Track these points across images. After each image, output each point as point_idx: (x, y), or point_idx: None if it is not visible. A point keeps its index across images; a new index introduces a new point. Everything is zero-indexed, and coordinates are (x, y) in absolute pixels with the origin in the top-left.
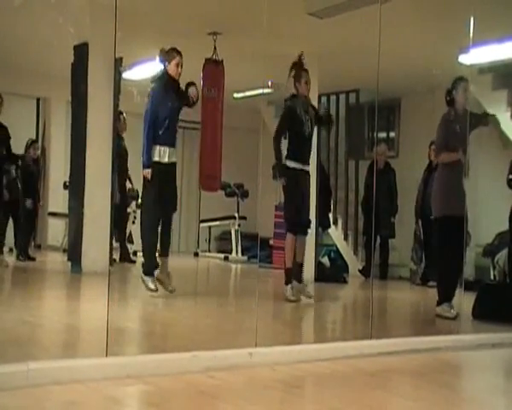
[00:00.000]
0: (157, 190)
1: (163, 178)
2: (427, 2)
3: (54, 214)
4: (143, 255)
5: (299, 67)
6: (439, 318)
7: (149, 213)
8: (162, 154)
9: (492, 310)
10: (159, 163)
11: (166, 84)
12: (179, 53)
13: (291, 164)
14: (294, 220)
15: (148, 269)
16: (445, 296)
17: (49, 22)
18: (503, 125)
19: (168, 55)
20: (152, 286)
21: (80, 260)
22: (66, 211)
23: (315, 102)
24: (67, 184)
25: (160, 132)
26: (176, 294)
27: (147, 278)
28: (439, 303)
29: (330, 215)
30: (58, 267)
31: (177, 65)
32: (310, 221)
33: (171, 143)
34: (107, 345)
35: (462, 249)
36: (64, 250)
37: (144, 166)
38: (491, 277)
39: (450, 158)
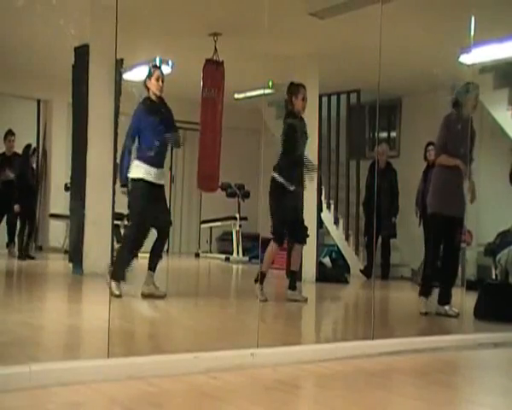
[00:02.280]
0: (145, 206)
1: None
2: (427, 3)
3: (55, 216)
4: (117, 261)
5: (297, 84)
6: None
7: (137, 231)
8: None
9: (494, 309)
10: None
11: (150, 107)
12: (159, 67)
13: (279, 179)
14: (280, 233)
15: (117, 276)
16: (422, 290)
17: (49, 24)
18: (504, 125)
19: (148, 72)
20: (117, 292)
21: (81, 262)
22: (67, 212)
23: (315, 103)
24: (68, 185)
25: (148, 153)
26: (177, 295)
27: (112, 283)
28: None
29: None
30: (59, 269)
31: (158, 79)
32: (305, 230)
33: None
34: (109, 346)
35: (452, 249)
36: (65, 252)
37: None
38: (493, 276)
39: (449, 162)
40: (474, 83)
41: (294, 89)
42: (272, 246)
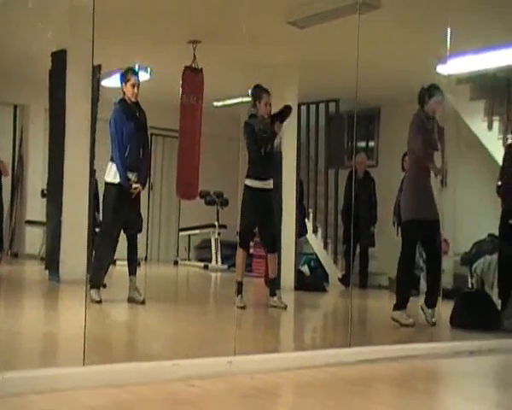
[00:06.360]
0: (118, 211)
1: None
2: (405, 14)
3: (31, 223)
4: (93, 269)
5: (261, 89)
6: (395, 322)
7: (108, 231)
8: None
9: (470, 318)
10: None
11: (125, 109)
12: (136, 73)
13: (248, 182)
14: (245, 237)
15: (96, 284)
16: (401, 303)
17: (26, 28)
18: (480, 136)
19: (124, 75)
20: (96, 298)
21: (58, 269)
22: (43, 219)
23: (294, 112)
24: (45, 191)
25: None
26: (155, 302)
27: (92, 290)
28: (394, 308)
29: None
30: (36, 276)
31: (133, 86)
32: (275, 239)
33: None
34: (85, 354)
35: (435, 252)
36: (42, 259)
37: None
38: (469, 285)
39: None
40: (437, 86)
41: (258, 93)
42: (239, 252)
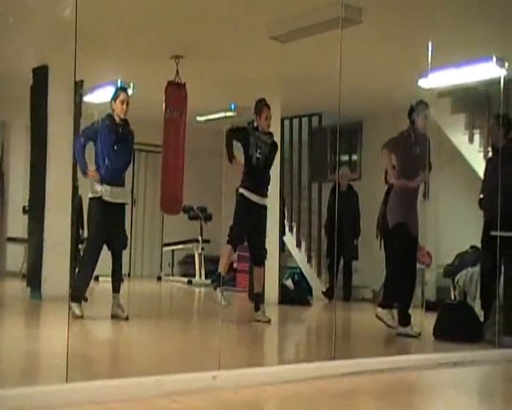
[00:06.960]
0: (101, 223)
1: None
2: (386, 28)
3: (12, 240)
4: (76, 282)
5: (262, 103)
6: (379, 320)
7: (92, 244)
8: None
9: (453, 329)
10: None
11: (107, 123)
12: (125, 90)
13: (243, 192)
14: (234, 236)
15: (77, 297)
16: (387, 303)
17: (7, 44)
18: (461, 149)
19: (114, 92)
20: (78, 313)
21: (40, 286)
22: (25, 236)
23: (277, 126)
24: (26, 208)
25: (100, 171)
26: (139, 318)
27: (73, 305)
28: (380, 306)
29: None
30: (17, 294)
31: (122, 102)
32: (264, 252)
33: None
34: (68, 371)
35: (411, 269)
36: (23, 276)
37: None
38: (452, 297)
39: (406, 186)
40: (425, 102)
41: (258, 108)
42: (226, 247)
